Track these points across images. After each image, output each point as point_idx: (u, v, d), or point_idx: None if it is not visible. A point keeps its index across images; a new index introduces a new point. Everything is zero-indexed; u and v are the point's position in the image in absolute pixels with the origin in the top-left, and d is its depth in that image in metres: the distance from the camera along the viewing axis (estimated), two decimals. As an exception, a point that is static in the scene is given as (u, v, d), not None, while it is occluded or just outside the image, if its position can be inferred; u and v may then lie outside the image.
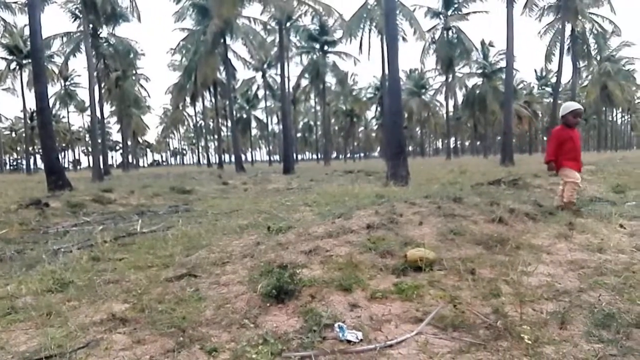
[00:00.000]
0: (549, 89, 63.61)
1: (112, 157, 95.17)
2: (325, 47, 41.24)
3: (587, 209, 5.43)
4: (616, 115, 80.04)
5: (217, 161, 40.48)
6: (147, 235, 5.47)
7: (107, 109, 46.75)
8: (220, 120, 45.68)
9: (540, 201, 5.58)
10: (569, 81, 39.53)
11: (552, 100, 35.56)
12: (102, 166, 26.93)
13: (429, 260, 3.12)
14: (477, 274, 2.93)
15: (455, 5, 38.51)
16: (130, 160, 58.35)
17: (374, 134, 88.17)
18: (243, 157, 47.97)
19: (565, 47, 32.18)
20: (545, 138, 56.65)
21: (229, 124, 45.47)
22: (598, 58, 44.79)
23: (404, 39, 30.25)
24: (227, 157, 67.34)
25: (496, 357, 1.86)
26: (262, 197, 10.33)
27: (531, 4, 27.68)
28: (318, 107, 53.93)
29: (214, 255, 3.90)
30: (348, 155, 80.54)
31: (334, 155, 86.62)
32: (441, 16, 39.50)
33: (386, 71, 15.36)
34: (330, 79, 46.87)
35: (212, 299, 2.82)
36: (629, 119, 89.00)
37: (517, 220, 4.38)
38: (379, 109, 60.64)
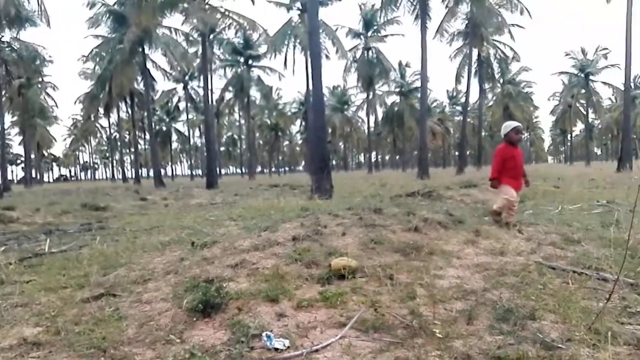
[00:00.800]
0: (459, 108, 68.74)
1: (12, 171, 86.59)
2: (250, 61, 41.24)
3: (490, 218, 5.98)
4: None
5: (134, 176, 38.43)
6: (57, 255, 5.10)
7: (8, 119, 42.66)
8: (137, 133, 43.49)
9: (451, 211, 6.03)
10: (477, 101, 43.12)
11: (462, 119, 38.47)
12: (0, 182, 24.43)
13: (351, 268, 3.28)
14: (395, 279, 3.13)
15: (375, 27, 40.54)
16: (33, 175, 53.45)
17: (298, 148, 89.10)
18: (163, 171, 45.99)
19: (473, 70, 35.12)
20: (457, 153, 60.94)
21: (147, 136, 43.48)
22: (501, 81, 49.36)
23: (327, 56, 31.19)
24: (144, 171, 64.10)
25: (412, 353, 2.02)
26: (184, 212, 10.02)
27: (442, 30, 29.92)
28: (242, 121, 53.46)
29: (135, 273, 3.75)
30: (273, 169, 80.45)
31: (259, 169, 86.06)
32: (362, 37, 41.36)
33: (310, 87, 15.73)
34: (255, 93, 46.82)
35: (134, 317, 2.72)
36: (529, 136, 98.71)
37: (431, 229, 4.72)
38: (303, 123, 61.57)
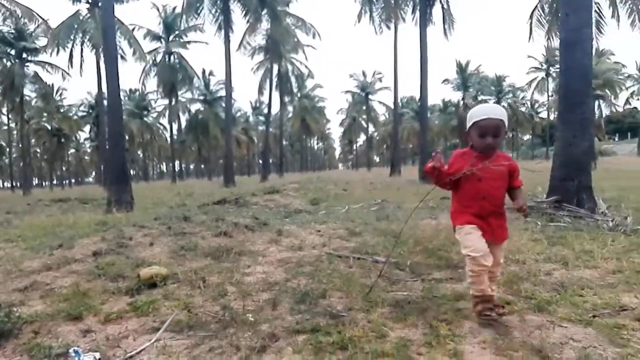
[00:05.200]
0: (262, 118, 71.84)
1: None
2: (25, 55, 35.05)
3: (292, 219, 6.63)
4: (313, 142, 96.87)
5: None
6: None
7: None
8: None
9: (257, 215, 6.47)
10: (278, 112, 45.95)
11: (265, 128, 40.42)
12: None
13: (162, 276, 3.30)
14: (207, 281, 3.29)
15: (176, 32, 39.30)
16: None
17: (87, 157, 79.39)
18: None
19: (274, 83, 37.32)
20: (261, 161, 63.54)
21: None
22: (298, 95, 53.65)
23: (122, 57, 28.82)
24: None
25: (225, 341, 2.23)
26: None
27: (245, 43, 31.00)
28: (13, 125, 44.87)
29: None
30: (55, 181, 69.35)
31: (36, 182, 73.50)
32: (162, 40, 39.57)
33: (104, 89, 14.40)
34: (30, 92, 39.88)
35: None
36: (323, 145, 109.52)
37: (239, 232, 5.02)
38: (95, 129, 55.08)
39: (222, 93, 44.76)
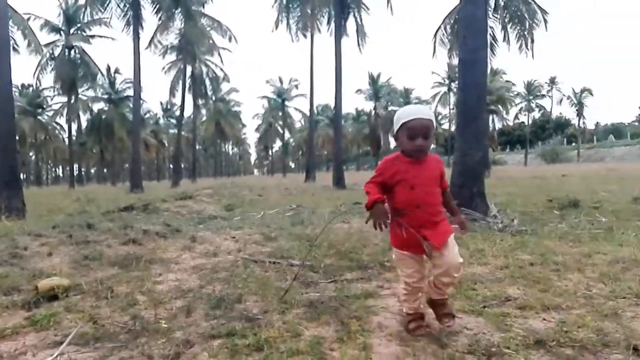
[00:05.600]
0: (174, 121, 69.01)
1: None
2: None
3: (206, 225, 6.50)
4: (228, 147, 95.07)
5: None
6: None
7: None
8: None
9: (168, 222, 6.26)
10: (191, 115, 44.39)
11: (177, 132, 38.85)
12: None
13: (64, 287, 3.08)
14: (115, 291, 3.14)
15: (79, 25, 36.39)
16: None
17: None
18: None
19: (187, 85, 36.08)
20: (172, 166, 60.67)
21: None
22: (213, 98, 52.40)
23: (15, 49, 26.03)
24: None
25: (136, 351, 2.16)
26: None
27: (156, 41, 29.62)
28: None
29: None
30: None
31: None
32: (62, 33, 36.40)
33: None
34: None
35: None
36: (238, 151, 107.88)
37: (150, 240, 4.83)
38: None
39: (129, 92, 42.36)
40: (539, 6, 22.92)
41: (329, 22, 23.51)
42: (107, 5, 24.88)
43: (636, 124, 61.54)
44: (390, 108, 68.55)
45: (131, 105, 29.83)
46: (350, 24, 22.38)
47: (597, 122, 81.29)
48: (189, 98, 39.21)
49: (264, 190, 16.77)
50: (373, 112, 66.07)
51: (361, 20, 22.61)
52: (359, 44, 23.02)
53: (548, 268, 3.57)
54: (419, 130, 2.15)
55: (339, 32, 20.77)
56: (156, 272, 3.67)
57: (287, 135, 76.05)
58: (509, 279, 3.28)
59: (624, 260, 3.62)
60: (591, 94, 67.45)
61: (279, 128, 71.26)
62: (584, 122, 71.51)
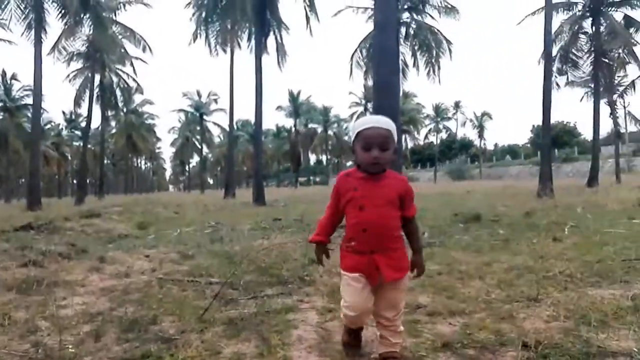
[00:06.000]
0: (78, 133, 64.17)
1: None
2: None
3: (116, 244, 6.12)
4: (140, 162, 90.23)
5: None
6: None
7: None
8: None
9: (73, 241, 5.81)
10: (99, 127, 41.58)
11: (82, 144, 36.14)
12: None
13: (-53, 316, 2.74)
14: (12, 318, 2.85)
15: (-34, 24, 32.68)
16: None
17: None
18: None
19: (95, 95, 33.83)
20: (76, 181, 55.91)
21: None
22: (124, 110, 49.63)
23: None
24: None
25: (38, 381, 2.00)
26: None
27: (60, 47, 27.50)
28: None
29: None
30: None
31: None
32: (-55, 32, 32.40)
33: None
34: None
35: None
36: (152, 166, 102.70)
37: (52, 261, 4.45)
38: None
39: (28, 101, 38.71)
40: (444, 37, 24.96)
41: (249, 39, 23.55)
42: (6, 6, 22.70)
43: (528, 145, 68.69)
44: (310, 125, 69.85)
45: (29, 115, 27.25)
46: (271, 42, 22.63)
47: (496, 143, 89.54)
48: (97, 109, 36.78)
49: (181, 207, 16.15)
50: (293, 129, 66.88)
51: (281, 38, 22.96)
52: (279, 62, 23.31)
53: (454, 276, 3.87)
54: (374, 139, 1.90)
55: (259, 49, 20.89)
56: (60, 296, 3.39)
57: (205, 150, 74.12)
58: (420, 288, 3.50)
59: (518, 268, 4.03)
60: (490, 117, 74.32)
61: (196, 143, 69.19)
62: (484, 143, 78.40)
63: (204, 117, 64.12)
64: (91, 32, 28.59)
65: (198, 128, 65.19)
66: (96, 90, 34.61)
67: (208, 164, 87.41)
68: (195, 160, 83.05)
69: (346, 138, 72.30)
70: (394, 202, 1.95)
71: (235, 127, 41.28)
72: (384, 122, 1.95)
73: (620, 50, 23.40)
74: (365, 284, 1.93)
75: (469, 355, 2.21)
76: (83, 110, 36.36)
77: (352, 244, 1.96)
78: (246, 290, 3.60)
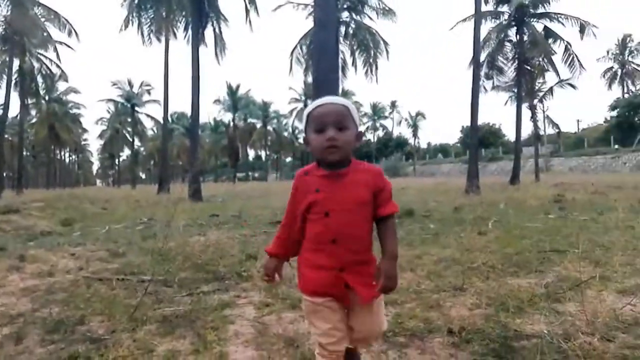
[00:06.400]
0: (-6, 122, 58.67)
1: None
2: None
3: (38, 242, 5.72)
4: (64, 155, 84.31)
5: None
6: None
7: None
8: None
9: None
10: (17, 116, 38.28)
11: (-2, 134, 33.06)
12: None
13: None
14: None
15: None
16: None
17: None
18: None
19: (13, 81, 31.11)
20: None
21: None
22: (46, 98, 46.10)
23: None
24: None
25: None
26: None
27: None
28: None
29: None
30: None
31: None
32: None
33: None
34: None
35: None
36: (77, 159, 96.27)
37: (-38, 261, 4.07)
38: None
39: None
40: (382, 38, 25.65)
41: (186, 29, 22.77)
42: None
43: (459, 145, 72.45)
44: (249, 120, 68.92)
45: None
46: (209, 33, 22.04)
47: (429, 142, 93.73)
48: (15, 96, 33.84)
49: (109, 203, 15.34)
50: (232, 123, 65.67)
51: (220, 30, 22.43)
52: (217, 55, 22.77)
53: (387, 269, 4.02)
54: (328, 117, 1.48)
55: (197, 40, 20.25)
56: (-28, 299, 3.13)
57: (137, 143, 70.66)
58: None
59: (446, 260, 4.28)
60: (424, 117, 77.53)
61: (127, 135, 65.80)
62: (418, 142, 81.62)
63: (136, 108, 61.03)
64: (9, 12, 26.26)
65: (129, 120, 61.96)
66: (15, 76, 31.84)
67: (140, 158, 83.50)
68: (125, 153, 79.07)
69: (286, 134, 72.24)
70: (366, 202, 1.52)
71: (170, 119, 39.82)
72: (338, 99, 1.55)
73: (541, 59, 25.37)
74: (335, 306, 1.52)
75: (399, 342, 2.32)
76: (-1, 98, 33.34)
77: (316, 259, 1.51)
78: (181, 287, 3.52)
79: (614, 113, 48.42)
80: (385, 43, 25.56)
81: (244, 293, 3.34)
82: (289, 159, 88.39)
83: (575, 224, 6.62)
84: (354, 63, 25.62)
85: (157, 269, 3.94)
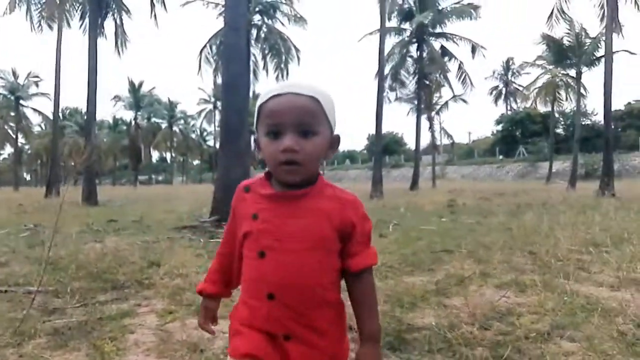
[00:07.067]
0: None
1: None
2: None
3: None
4: None
5: None
6: None
7: None
8: None
9: None
10: None
11: None
12: None
13: None
14: None
15: None
16: None
17: None
18: None
19: None
20: None
21: None
22: None
23: None
24: None
25: None
26: None
27: None
28: None
29: None
30: None
31: None
32: None
33: None
34: None
35: None
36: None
37: None
38: None
39: None
40: (293, 44, 26.04)
41: (82, 17, 21.06)
42: None
43: (365, 152, 75.61)
44: (153, 119, 65.50)
45: None
46: (109, 24, 20.62)
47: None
48: None
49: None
50: (133, 122, 61.79)
51: (122, 22, 21.11)
52: (117, 47, 21.38)
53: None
54: (286, 115, 0.96)
55: (95, 31, 18.80)
56: None
57: (21, 140, 63.36)
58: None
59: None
60: (333, 124, 79.74)
61: (9, 131, 58.70)
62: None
63: (21, 101, 54.78)
64: None
65: (12, 114, 55.37)
66: None
67: (24, 157, 75.02)
68: (7, 151, 70.46)
69: (193, 136, 69.75)
70: (325, 242, 1.00)
71: (61, 115, 36.38)
72: (305, 86, 1.00)
73: (438, 75, 27.59)
74: None
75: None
76: None
77: (248, 316, 1.01)
78: (74, 297, 3.28)
79: (499, 127, 54.12)
80: (297, 49, 25.99)
81: (146, 301, 3.22)
82: (196, 162, 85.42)
83: (463, 226, 7.33)
84: (265, 67, 25.67)
85: (46, 279, 3.62)
